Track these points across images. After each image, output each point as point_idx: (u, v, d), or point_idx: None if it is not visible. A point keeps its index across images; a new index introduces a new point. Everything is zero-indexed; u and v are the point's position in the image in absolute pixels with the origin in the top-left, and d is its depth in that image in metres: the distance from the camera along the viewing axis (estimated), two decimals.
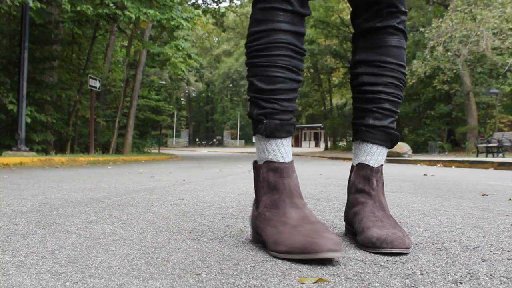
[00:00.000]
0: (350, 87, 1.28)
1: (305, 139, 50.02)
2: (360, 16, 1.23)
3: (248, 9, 30.22)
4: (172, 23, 9.60)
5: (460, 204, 2.08)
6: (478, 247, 1.13)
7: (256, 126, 1.11)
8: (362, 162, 1.21)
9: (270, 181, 1.09)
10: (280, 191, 1.08)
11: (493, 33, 15.42)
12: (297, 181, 1.11)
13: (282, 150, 1.11)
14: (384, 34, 1.20)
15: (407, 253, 1.03)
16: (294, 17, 1.09)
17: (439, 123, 24.04)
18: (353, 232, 1.19)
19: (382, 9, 1.19)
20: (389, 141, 1.21)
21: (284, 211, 1.05)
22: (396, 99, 1.21)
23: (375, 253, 1.03)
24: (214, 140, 54.54)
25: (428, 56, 16.72)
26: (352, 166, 1.26)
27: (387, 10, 1.19)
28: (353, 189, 1.22)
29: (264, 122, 1.09)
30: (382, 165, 1.22)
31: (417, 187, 3.14)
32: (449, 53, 16.29)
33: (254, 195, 1.17)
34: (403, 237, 1.03)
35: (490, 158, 10.58)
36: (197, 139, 54.76)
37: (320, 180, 3.81)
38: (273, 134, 1.09)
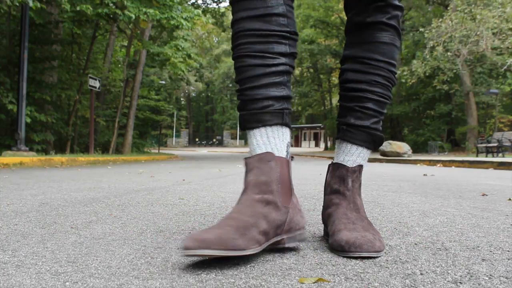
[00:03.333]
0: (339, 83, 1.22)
1: (305, 139, 50.02)
2: (352, 9, 1.17)
3: None
4: (172, 22, 9.59)
5: (460, 204, 2.08)
6: (478, 247, 1.13)
7: None
8: (339, 162, 1.17)
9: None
10: (244, 187, 1.03)
11: (493, 33, 15.42)
12: (268, 174, 1.00)
13: (254, 142, 1.03)
14: (375, 30, 1.14)
15: (378, 257, 0.99)
16: (252, 2, 1.02)
17: (439, 123, 24.05)
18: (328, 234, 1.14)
19: (370, 3, 1.13)
20: (370, 142, 1.16)
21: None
22: (382, 99, 1.15)
23: (344, 257, 0.99)
24: (214, 140, 54.54)
25: (428, 56, 16.72)
26: (329, 166, 1.21)
27: (375, 5, 1.12)
28: (328, 190, 1.19)
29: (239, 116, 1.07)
30: (361, 165, 1.17)
31: (417, 187, 3.14)
32: (449, 53, 16.29)
33: None
34: (373, 240, 0.99)
35: (490, 158, 10.58)
36: (197, 139, 54.75)
37: (320, 180, 3.81)
38: (243, 125, 1.06)
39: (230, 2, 1.07)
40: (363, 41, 1.15)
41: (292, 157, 1.09)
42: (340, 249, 1.00)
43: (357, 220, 1.08)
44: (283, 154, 1.03)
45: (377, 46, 1.14)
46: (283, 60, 1.04)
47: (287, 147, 1.05)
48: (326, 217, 1.16)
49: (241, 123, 1.06)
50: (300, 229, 1.04)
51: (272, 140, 1.03)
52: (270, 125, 1.02)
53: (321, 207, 1.89)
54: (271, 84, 1.02)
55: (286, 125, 1.04)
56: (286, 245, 1.01)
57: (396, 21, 1.14)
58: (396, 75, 1.18)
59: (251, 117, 1.03)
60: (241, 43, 1.03)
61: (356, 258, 0.99)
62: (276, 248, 1.05)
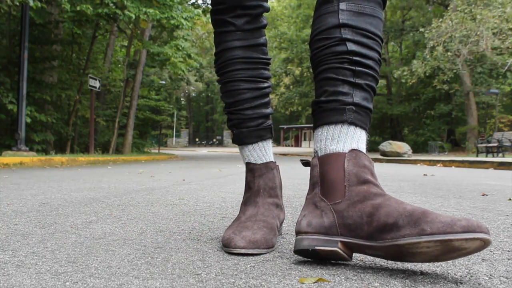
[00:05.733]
0: (317, 52, 1.00)
1: (305, 139, 49.97)
2: None
3: None
4: (172, 22, 9.59)
5: (460, 204, 2.08)
6: None
7: (232, 136, 1.23)
8: (355, 148, 0.95)
9: (247, 181, 1.21)
10: (251, 190, 1.19)
11: (493, 33, 15.42)
12: (273, 180, 1.19)
13: (254, 154, 1.20)
14: (374, 2, 0.97)
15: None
16: (244, 33, 1.16)
17: (439, 123, 24.07)
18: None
19: None
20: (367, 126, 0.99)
21: (246, 208, 1.17)
22: (376, 84, 1.00)
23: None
24: (214, 140, 54.55)
25: (428, 56, 16.73)
26: (338, 153, 0.94)
27: None
28: (354, 180, 0.92)
29: (234, 132, 1.21)
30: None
31: (417, 187, 3.14)
32: (449, 53, 16.29)
33: None
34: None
35: (490, 158, 10.58)
36: (197, 139, 54.76)
37: None
38: (242, 141, 1.20)
39: (219, 32, 1.17)
40: (363, 11, 0.96)
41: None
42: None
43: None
44: (274, 161, 1.22)
45: (378, 22, 0.98)
46: (268, 83, 1.21)
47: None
48: (373, 211, 0.88)
49: (239, 138, 1.20)
50: (282, 223, 1.23)
51: (268, 151, 1.21)
52: (265, 139, 1.21)
53: None
54: (263, 104, 1.19)
55: (271, 138, 1.23)
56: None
57: None
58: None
59: (250, 133, 1.19)
60: (236, 69, 1.16)
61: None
62: (275, 248, 1.08)
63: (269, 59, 1.21)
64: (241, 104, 1.18)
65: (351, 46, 0.95)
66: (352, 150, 0.94)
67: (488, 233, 0.78)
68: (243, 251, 0.99)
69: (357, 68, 0.95)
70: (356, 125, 0.95)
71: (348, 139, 0.95)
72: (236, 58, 1.16)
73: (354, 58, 0.95)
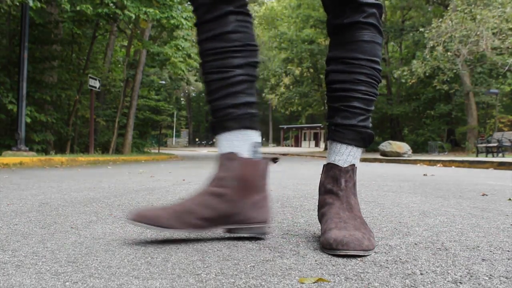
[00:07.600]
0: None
1: (305, 139, 49.97)
2: (329, 12, 1.20)
3: (249, 8, 29.99)
4: (172, 22, 9.59)
5: (460, 204, 2.08)
6: (478, 247, 1.13)
7: None
8: (331, 162, 1.20)
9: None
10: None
11: (493, 33, 15.42)
12: (229, 170, 1.18)
13: (220, 144, 1.19)
14: (354, 30, 1.16)
15: (365, 255, 1.00)
16: (206, 25, 1.16)
17: (439, 123, 24.06)
18: None
19: (344, 4, 1.14)
20: (360, 140, 1.18)
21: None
22: (368, 97, 1.17)
23: (331, 255, 1.01)
24: (214, 140, 54.55)
25: (428, 56, 16.72)
26: (323, 166, 1.24)
27: (349, 6, 1.14)
28: (322, 190, 1.21)
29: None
30: (353, 164, 1.18)
31: (417, 187, 3.14)
32: (449, 53, 16.28)
33: None
34: (361, 239, 1.00)
35: (490, 158, 10.58)
36: (197, 139, 54.79)
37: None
38: (214, 132, 1.21)
39: (194, 25, 1.22)
40: (344, 41, 1.17)
41: (276, 159, 1.21)
42: (328, 247, 1.02)
43: (349, 219, 1.10)
44: (246, 154, 1.16)
45: (358, 45, 1.16)
46: (238, 71, 1.16)
47: (253, 147, 1.17)
48: (320, 217, 1.19)
49: (211, 129, 1.22)
50: (258, 223, 1.15)
51: (236, 142, 1.16)
52: (231, 130, 1.16)
53: None
54: (228, 94, 1.16)
55: (249, 127, 1.17)
56: (238, 234, 1.16)
57: (374, 19, 1.16)
58: (380, 72, 1.20)
59: (218, 125, 1.18)
60: (204, 61, 1.19)
61: (343, 256, 0.99)
62: (275, 248, 1.08)
63: (239, 45, 1.15)
64: (210, 95, 1.20)
65: (332, 76, 1.22)
66: (328, 164, 1.21)
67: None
68: (129, 222, 1.07)
69: None
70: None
71: (332, 153, 1.22)
72: (203, 50, 1.19)
73: None
